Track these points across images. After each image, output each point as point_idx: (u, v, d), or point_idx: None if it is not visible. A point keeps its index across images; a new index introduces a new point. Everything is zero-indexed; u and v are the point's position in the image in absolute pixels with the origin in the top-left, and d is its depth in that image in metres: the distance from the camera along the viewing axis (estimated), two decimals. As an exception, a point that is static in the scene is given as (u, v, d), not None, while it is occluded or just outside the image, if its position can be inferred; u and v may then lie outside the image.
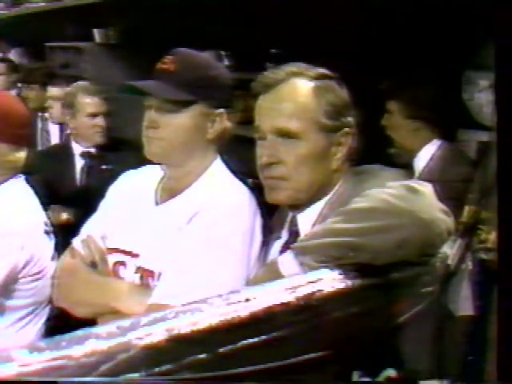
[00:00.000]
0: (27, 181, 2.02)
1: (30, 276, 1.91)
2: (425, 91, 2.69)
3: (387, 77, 2.73)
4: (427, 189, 1.38)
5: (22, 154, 1.99)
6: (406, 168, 2.63)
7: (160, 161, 1.66)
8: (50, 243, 1.97)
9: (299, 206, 1.52)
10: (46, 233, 1.97)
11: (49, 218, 2.00)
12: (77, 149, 3.26)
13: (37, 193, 2.02)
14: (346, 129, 1.49)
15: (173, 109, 1.59)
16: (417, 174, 2.64)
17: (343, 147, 1.49)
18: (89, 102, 3.22)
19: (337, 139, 1.49)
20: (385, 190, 1.35)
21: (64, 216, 2.95)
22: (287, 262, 1.34)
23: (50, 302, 1.95)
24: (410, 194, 1.33)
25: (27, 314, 1.94)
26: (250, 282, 1.48)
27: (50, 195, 2.93)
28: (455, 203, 1.88)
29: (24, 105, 2.19)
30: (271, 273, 1.35)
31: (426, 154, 2.69)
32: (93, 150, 3.21)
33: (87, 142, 3.24)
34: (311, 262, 1.30)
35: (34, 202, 1.98)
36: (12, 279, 1.88)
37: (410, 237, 1.29)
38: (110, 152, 3.15)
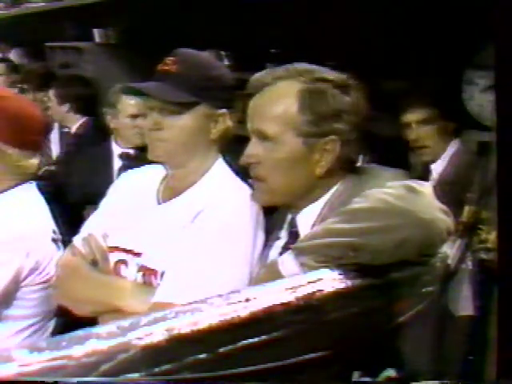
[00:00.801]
0: (39, 188, 1.99)
1: (35, 285, 1.87)
2: (444, 92, 2.65)
3: (396, 80, 2.71)
4: (426, 189, 1.38)
5: (34, 161, 1.95)
6: (426, 172, 2.60)
7: (163, 162, 1.67)
8: (57, 252, 1.92)
9: (297, 206, 1.52)
10: (54, 241, 1.92)
11: (58, 226, 1.98)
12: (116, 150, 3.22)
13: (48, 200, 1.99)
14: (332, 136, 1.45)
15: (176, 110, 1.58)
16: (435, 176, 2.61)
17: (329, 154, 1.46)
18: (131, 103, 3.15)
19: (320, 146, 1.45)
20: (384, 190, 1.35)
21: None
22: (287, 263, 1.34)
23: (57, 313, 1.93)
24: (409, 193, 1.33)
25: (31, 325, 1.90)
26: (250, 283, 1.49)
27: (85, 195, 2.94)
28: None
29: (40, 111, 2.15)
30: (272, 273, 1.35)
31: (444, 158, 2.65)
32: (131, 152, 3.15)
33: (127, 143, 3.18)
34: (311, 263, 1.30)
35: (44, 208, 1.95)
36: (14, 287, 1.84)
37: (409, 237, 1.29)
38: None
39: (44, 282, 1.88)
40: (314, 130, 1.45)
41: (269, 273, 1.38)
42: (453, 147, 2.68)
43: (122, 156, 3.18)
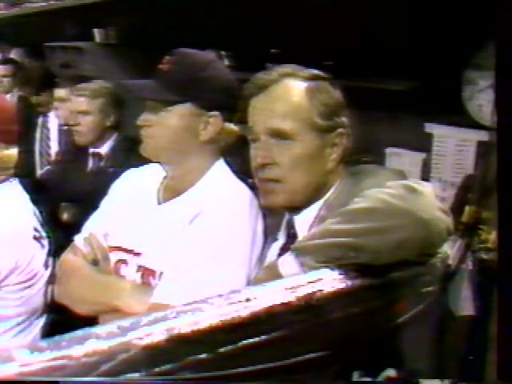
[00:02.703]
0: (22, 184, 1.99)
1: (16, 285, 1.87)
2: None
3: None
4: (426, 188, 1.38)
5: (13, 151, 1.97)
6: None
7: (154, 159, 1.67)
8: (41, 250, 1.92)
9: (296, 207, 1.51)
10: (36, 239, 1.92)
11: (41, 224, 1.97)
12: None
13: (32, 197, 1.99)
14: (340, 129, 1.49)
15: (162, 108, 1.60)
16: None
17: (338, 148, 1.49)
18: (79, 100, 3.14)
19: (331, 140, 1.48)
20: (384, 189, 1.35)
21: (64, 216, 2.93)
22: (288, 263, 1.34)
23: (44, 311, 1.92)
24: (409, 193, 1.33)
25: (16, 325, 1.89)
26: (250, 284, 1.48)
27: (63, 194, 2.93)
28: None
29: (9, 101, 2.17)
30: (271, 275, 1.35)
31: None
32: (102, 152, 3.11)
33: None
34: (312, 263, 1.30)
35: (25, 206, 1.94)
36: None
37: (409, 237, 1.29)
38: (120, 154, 3.03)
39: (26, 281, 1.88)
40: (326, 124, 1.47)
41: (268, 274, 1.38)
42: None
43: (94, 156, 3.14)
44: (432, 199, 1.36)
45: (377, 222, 1.30)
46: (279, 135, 1.47)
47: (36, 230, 1.94)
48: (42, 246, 1.94)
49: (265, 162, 1.47)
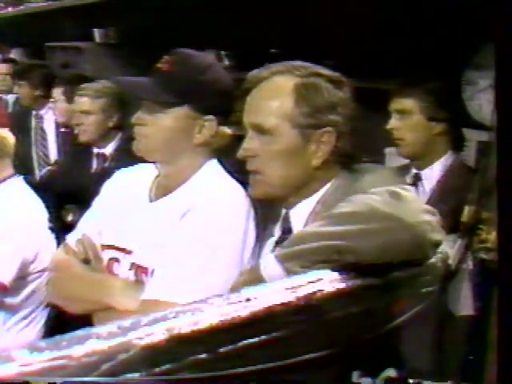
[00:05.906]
0: (26, 180, 2.02)
1: (37, 273, 1.93)
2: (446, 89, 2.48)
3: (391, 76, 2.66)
4: (410, 193, 1.39)
5: (9, 135, 1.99)
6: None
7: (146, 157, 1.67)
8: (53, 240, 1.98)
9: (291, 201, 1.52)
10: (51, 229, 1.99)
11: (50, 215, 2.01)
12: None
13: (36, 191, 2.02)
14: (329, 127, 1.47)
15: (158, 108, 1.59)
16: (427, 186, 2.40)
17: (325, 145, 1.48)
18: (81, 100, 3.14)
19: (316, 137, 1.47)
20: (369, 195, 1.36)
21: (69, 218, 2.92)
22: (271, 268, 1.34)
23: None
24: (393, 199, 1.34)
25: (30, 313, 1.96)
26: (231, 288, 1.45)
27: (67, 195, 2.94)
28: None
29: None
30: (253, 279, 1.34)
31: (438, 168, 2.36)
32: (107, 153, 3.11)
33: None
34: (296, 268, 1.30)
35: (37, 200, 2.00)
36: (21, 275, 1.90)
37: (394, 240, 1.29)
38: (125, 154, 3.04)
39: (41, 271, 1.94)
40: (310, 122, 1.47)
41: (250, 279, 1.37)
42: (448, 159, 2.40)
43: (98, 157, 3.13)
44: (416, 203, 1.37)
45: (360, 225, 1.30)
46: (260, 130, 1.49)
47: (49, 220, 2.01)
48: (54, 236, 2.00)
49: (245, 155, 1.50)
